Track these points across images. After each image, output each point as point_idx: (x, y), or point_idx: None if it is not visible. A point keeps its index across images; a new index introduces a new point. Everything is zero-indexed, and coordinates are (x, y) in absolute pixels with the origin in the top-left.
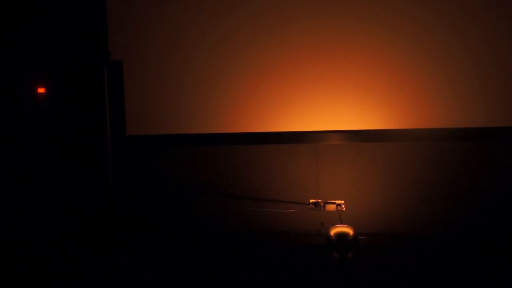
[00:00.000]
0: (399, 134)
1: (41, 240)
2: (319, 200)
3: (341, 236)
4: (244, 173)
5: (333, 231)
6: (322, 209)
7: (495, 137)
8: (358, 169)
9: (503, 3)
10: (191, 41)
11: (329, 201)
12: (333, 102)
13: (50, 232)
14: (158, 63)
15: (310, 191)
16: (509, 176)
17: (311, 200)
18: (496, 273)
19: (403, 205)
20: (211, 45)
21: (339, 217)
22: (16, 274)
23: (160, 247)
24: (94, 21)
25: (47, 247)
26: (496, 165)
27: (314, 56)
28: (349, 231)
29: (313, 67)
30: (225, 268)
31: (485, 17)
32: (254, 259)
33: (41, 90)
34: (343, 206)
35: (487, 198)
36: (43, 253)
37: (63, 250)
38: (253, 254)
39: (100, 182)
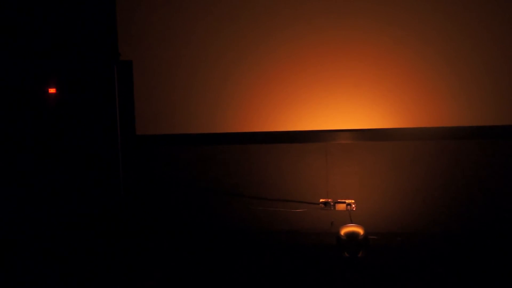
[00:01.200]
0: (409, 132)
1: (49, 238)
2: (329, 200)
3: (352, 235)
4: (253, 173)
5: (343, 231)
6: (332, 208)
7: (507, 135)
8: (368, 168)
9: None
10: (200, 42)
11: (339, 200)
12: (342, 101)
13: (59, 230)
14: (167, 63)
15: (320, 190)
16: None
17: (321, 200)
18: (506, 272)
19: (414, 204)
20: (220, 45)
21: (349, 217)
22: (23, 271)
23: (169, 246)
24: (104, 21)
25: (55, 244)
26: (507, 163)
27: (323, 55)
28: (360, 230)
29: (322, 66)
30: (235, 267)
31: (494, 13)
32: (264, 259)
33: (51, 90)
34: (353, 205)
35: (498, 197)
36: (51, 250)
37: (71, 248)
38: (263, 253)
39: (110, 181)
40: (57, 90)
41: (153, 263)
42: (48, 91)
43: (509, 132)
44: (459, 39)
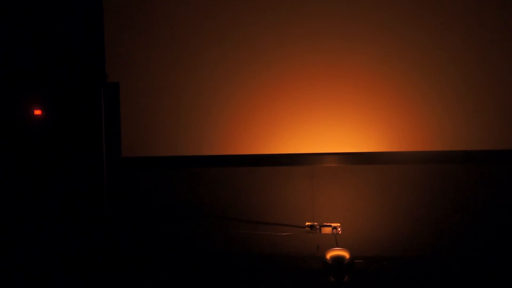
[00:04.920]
0: (394, 156)
1: (34, 259)
2: (315, 223)
3: (337, 259)
4: (239, 196)
5: (329, 255)
6: (318, 232)
7: (491, 160)
8: (354, 191)
9: (498, 24)
10: (186, 65)
11: (325, 224)
12: (328, 124)
13: (44, 251)
14: (154, 85)
15: (306, 213)
16: (504, 199)
17: (307, 223)
18: None
19: (400, 228)
20: (207, 67)
21: (335, 240)
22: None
23: (154, 270)
24: (91, 43)
25: (40, 266)
26: (491, 188)
27: (309, 78)
28: (345, 254)
29: (308, 89)
30: None
31: (480, 36)
32: (249, 283)
33: (37, 111)
34: (339, 229)
35: (483, 221)
36: (36, 271)
37: (56, 270)
38: (249, 277)
39: (95, 203)
40: (42, 111)
41: (137, 286)
42: (33, 112)
43: (493, 156)
44: (444, 63)
